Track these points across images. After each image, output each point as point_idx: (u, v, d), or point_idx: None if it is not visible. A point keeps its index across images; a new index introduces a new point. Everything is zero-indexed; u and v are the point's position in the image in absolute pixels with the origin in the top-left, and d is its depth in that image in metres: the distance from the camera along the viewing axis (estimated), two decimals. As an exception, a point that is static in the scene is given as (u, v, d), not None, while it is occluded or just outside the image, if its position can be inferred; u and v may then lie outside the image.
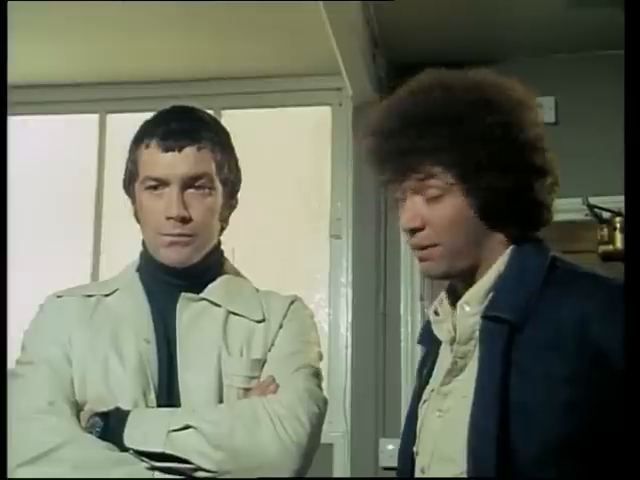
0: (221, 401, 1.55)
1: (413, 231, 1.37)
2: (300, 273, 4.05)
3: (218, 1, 3.34)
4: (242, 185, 1.72)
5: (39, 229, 4.24)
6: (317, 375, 1.62)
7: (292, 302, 1.68)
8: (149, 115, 1.68)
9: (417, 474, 1.41)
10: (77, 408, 1.52)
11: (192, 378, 1.55)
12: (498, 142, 1.33)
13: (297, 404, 1.52)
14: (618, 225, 3.49)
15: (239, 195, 1.72)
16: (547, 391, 1.25)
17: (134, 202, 1.66)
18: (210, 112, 1.76)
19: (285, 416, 1.49)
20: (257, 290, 1.72)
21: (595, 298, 1.29)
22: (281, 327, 1.63)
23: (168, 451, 1.45)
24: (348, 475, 3.69)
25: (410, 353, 3.67)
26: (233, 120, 3.60)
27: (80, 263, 4.12)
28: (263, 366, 1.59)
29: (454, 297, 1.42)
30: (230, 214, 1.70)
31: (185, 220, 1.58)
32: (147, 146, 1.61)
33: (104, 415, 1.50)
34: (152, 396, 1.53)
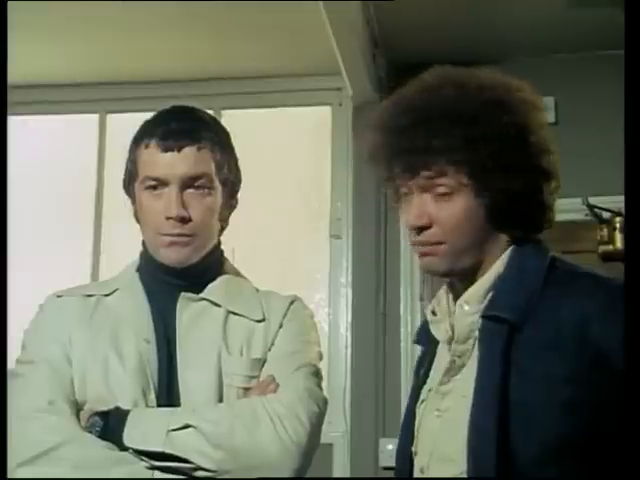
0: (221, 400, 1.55)
1: (420, 229, 1.36)
2: (300, 273, 4.05)
3: (218, 1, 3.34)
4: (242, 185, 1.72)
5: (39, 229, 4.25)
6: (317, 374, 1.62)
7: (292, 302, 1.68)
8: (149, 115, 1.68)
9: (416, 474, 1.41)
10: (77, 407, 1.52)
11: (192, 377, 1.55)
12: (511, 143, 1.33)
13: (297, 403, 1.52)
14: (618, 225, 3.49)
15: (239, 195, 1.71)
16: (547, 391, 1.25)
17: (134, 202, 1.66)
18: (210, 112, 1.76)
19: (285, 415, 1.49)
20: (257, 290, 1.72)
21: (595, 298, 1.29)
22: (281, 327, 1.63)
23: (168, 450, 1.45)
24: (348, 475, 3.69)
25: (410, 353, 3.67)
26: (233, 120, 3.60)
27: (80, 263, 4.12)
28: (263, 366, 1.59)
29: (453, 296, 1.42)
30: (230, 214, 1.70)
31: (184, 220, 1.58)
32: (147, 146, 1.61)
33: (104, 414, 1.50)
34: (152, 396, 1.53)
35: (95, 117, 4.29)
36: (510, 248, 1.38)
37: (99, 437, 1.47)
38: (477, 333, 1.34)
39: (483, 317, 1.33)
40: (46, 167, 4.31)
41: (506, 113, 1.34)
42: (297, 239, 4.12)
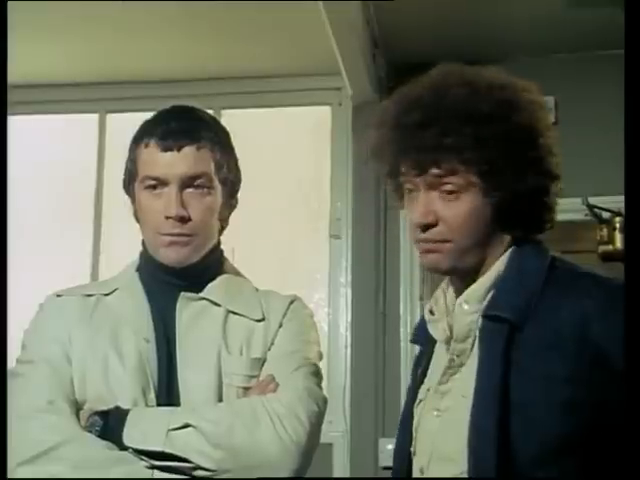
0: (221, 400, 1.55)
1: (425, 226, 1.36)
2: (300, 273, 4.05)
3: (218, 1, 3.34)
4: (242, 185, 1.72)
5: (39, 229, 4.24)
6: (317, 374, 1.62)
7: (292, 301, 1.68)
8: (149, 115, 1.68)
9: (416, 474, 1.41)
10: (77, 407, 1.53)
11: (192, 377, 1.55)
12: (521, 143, 1.33)
13: (297, 403, 1.52)
14: (618, 225, 3.49)
15: (239, 195, 1.71)
16: (547, 391, 1.25)
17: (134, 202, 1.66)
18: (210, 112, 1.76)
19: (285, 415, 1.49)
20: (257, 289, 1.72)
21: (595, 298, 1.29)
22: (281, 326, 1.63)
23: (167, 450, 1.45)
24: (348, 475, 3.69)
25: (409, 353, 3.66)
26: (233, 120, 3.60)
27: (80, 263, 4.12)
28: (263, 365, 1.59)
29: (454, 294, 1.42)
30: (230, 214, 1.70)
31: (184, 220, 1.58)
32: (146, 145, 1.61)
33: (104, 414, 1.50)
34: (152, 395, 1.53)
35: (95, 117, 4.29)
36: (511, 248, 1.38)
37: (99, 436, 1.47)
38: (476, 332, 1.34)
39: (484, 317, 1.33)
40: (46, 167, 4.31)
41: (516, 113, 1.34)
42: (297, 239, 4.12)
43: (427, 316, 1.44)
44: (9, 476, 1.45)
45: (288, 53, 3.84)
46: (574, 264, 1.39)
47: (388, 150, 1.39)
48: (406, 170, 1.37)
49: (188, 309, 1.61)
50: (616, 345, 1.23)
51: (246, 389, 1.56)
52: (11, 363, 1.61)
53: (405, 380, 3.63)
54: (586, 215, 3.55)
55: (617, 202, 3.36)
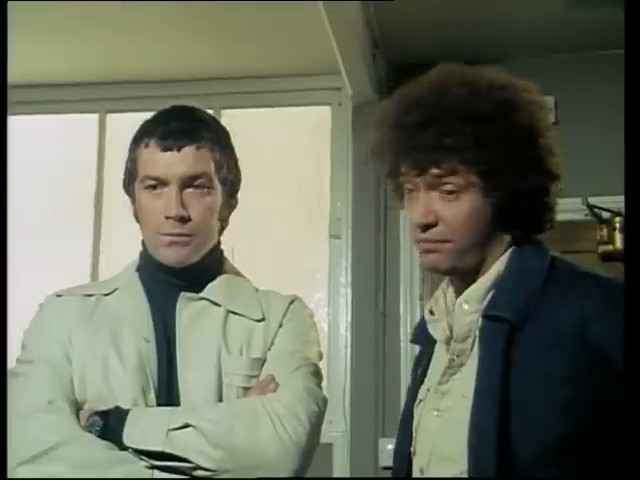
0: (221, 400, 1.55)
1: (425, 226, 1.36)
2: (300, 273, 4.05)
3: (218, 1, 3.34)
4: (242, 185, 1.72)
5: (39, 229, 4.24)
6: (317, 374, 1.62)
7: (292, 301, 1.68)
8: (149, 115, 1.68)
9: (416, 474, 1.41)
10: (77, 407, 1.53)
11: (192, 377, 1.55)
12: (522, 144, 1.33)
13: (297, 403, 1.52)
14: (618, 225, 3.49)
15: (239, 195, 1.71)
16: (547, 390, 1.25)
17: (134, 202, 1.66)
18: (210, 112, 1.76)
19: (285, 415, 1.49)
20: (257, 289, 1.72)
21: (595, 298, 1.29)
22: (281, 326, 1.63)
23: (167, 450, 1.45)
24: (348, 475, 3.69)
25: (409, 353, 3.66)
26: (233, 120, 3.60)
27: (80, 263, 4.12)
28: (263, 365, 1.59)
29: (454, 294, 1.42)
30: (230, 214, 1.70)
31: (184, 220, 1.58)
32: (146, 145, 1.61)
33: (104, 414, 1.50)
34: (152, 395, 1.53)
35: (95, 117, 4.29)
36: (511, 248, 1.38)
37: (99, 436, 1.47)
38: (476, 332, 1.34)
39: (484, 317, 1.33)
40: (46, 167, 4.31)
41: (516, 113, 1.34)
42: (297, 239, 4.12)
43: (427, 316, 1.44)
44: (9, 476, 1.45)
45: (288, 53, 3.84)
46: (574, 264, 1.39)
47: (388, 150, 1.39)
48: (406, 170, 1.37)
49: (188, 309, 1.61)
50: (616, 345, 1.23)
51: (246, 389, 1.56)
52: (11, 363, 1.61)
53: (405, 380, 3.63)
54: (586, 215, 3.55)
55: (617, 202, 3.37)
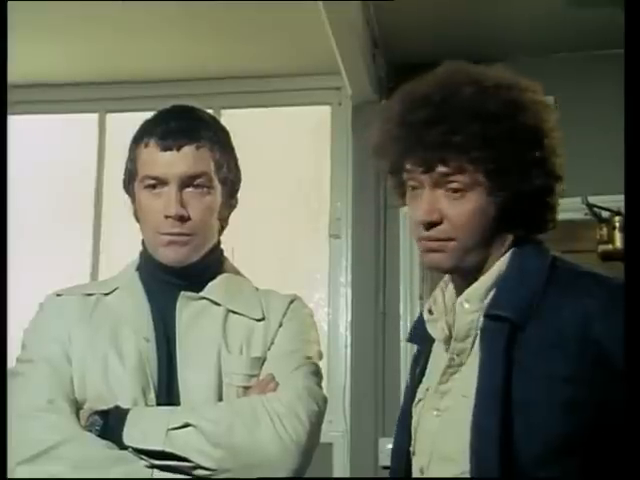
0: (221, 399, 1.54)
1: (429, 224, 1.36)
2: (300, 273, 4.05)
3: (218, 1, 3.34)
4: (242, 185, 1.72)
5: (39, 229, 4.25)
6: (317, 373, 1.62)
7: (292, 301, 1.68)
8: (149, 114, 1.68)
9: (416, 474, 1.40)
10: (77, 406, 1.52)
11: (192, 376, 1.55)
12: (527, 144, 1.33)
13: (297, 402, 1.52)
14: (617, 224, 3.49)
15: (239, 195, 1.71)
16: (549, 390, 1.25)
17: (133, 201, 1.66)
18: (210, 111, 1.76)
19: (284, 414, 1.49)
20: (257, 289, 1.72)
21: (596, 297, 1.29)
22: (281, 325, 1.63)
23: (167, 449, 1.45)
24: (348, 475, 3.69)
25: (409, 352, 3.65)
26: (233, 119, 3.60)
27: (80, 263, 4.12)
28: (263, 364, 1.59)
29: (454, 292, 1.42)
30: (230, 213, 1.70)
31: (183, 219, 1.58)
32: (146, 145, 1.61)
33: (104, 413, 1.50)
34: (152, 394, 1.53)
35: (95, 116, 4.29)
36: (512, 248, 1.38)
37: (99, 436, 1.47)
38: (477, 331, 1.34)
39: (485, 316, 1.33)
40: (46, 167, 4.31)
41: (523, 114, 1.34)
42: (297, 239, 4.12)
43: (426, 315, 1.44)
44: (9, 475, 1.45)
45: (288, 53, 3.85)
46: (575, 263, 1.39)
47: (393, 147, 1.38)
48: (412, 167, 1.36)
49: (188, 308, 1.61)
50: (618, 344, 1.23)
51: (246, 388, 1.56)
52: (11, 363, 1.61)
53: (405, 380, 3.63)
54: (586, 214, 3.55)
55: (617, 201, 3.36)
